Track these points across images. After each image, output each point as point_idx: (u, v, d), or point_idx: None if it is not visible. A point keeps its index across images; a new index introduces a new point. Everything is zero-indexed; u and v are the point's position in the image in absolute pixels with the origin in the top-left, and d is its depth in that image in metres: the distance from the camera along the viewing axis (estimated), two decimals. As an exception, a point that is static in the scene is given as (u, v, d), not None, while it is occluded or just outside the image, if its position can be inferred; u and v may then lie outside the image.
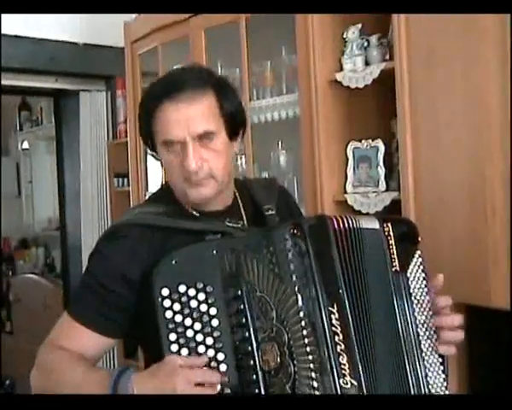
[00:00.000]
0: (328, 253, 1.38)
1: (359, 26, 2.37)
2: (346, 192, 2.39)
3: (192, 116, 1.42)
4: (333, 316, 1.33)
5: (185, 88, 1.44)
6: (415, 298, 1.47)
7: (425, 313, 1.47)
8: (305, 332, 1.32)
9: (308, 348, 1.31)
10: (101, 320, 1.47)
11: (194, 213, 1.53)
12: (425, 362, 1.44)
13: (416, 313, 1.46)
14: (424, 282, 1.48)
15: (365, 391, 1.32)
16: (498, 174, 1.86)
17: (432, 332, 1.46)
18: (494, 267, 1.88)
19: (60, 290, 4.74)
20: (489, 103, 1.88)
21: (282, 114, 2.67)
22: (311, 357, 1.31)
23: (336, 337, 1.32)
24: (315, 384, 1.30)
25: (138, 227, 1.48)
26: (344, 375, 1.31)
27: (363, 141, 2.36)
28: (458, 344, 1.49)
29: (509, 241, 1.84)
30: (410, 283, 1.47)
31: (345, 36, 2.40)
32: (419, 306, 1.47)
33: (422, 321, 1.46)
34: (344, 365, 1.31)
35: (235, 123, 1.51)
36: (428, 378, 1.44)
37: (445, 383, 1.46)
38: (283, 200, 1.70)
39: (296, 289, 1.34)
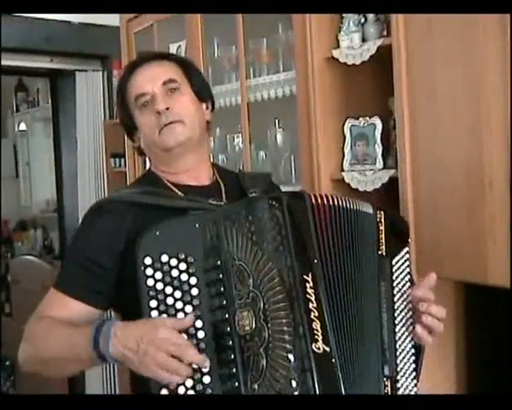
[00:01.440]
0: (304, 225, 1.45)
1: (356, 2, 2.34)
2: (343, 170, 2.37)
3: (156, 72, 1.65)
4: (307, 284, 1.39)
5: (151, 58, 1.69)
6: (396, 286, 1.52)
7: (404, 302, 1.52)
8: (279, 297, 1.37)
9: (282, 313, 1.37)
10: (83, 289, 1.54)
11: (177, 191, 1.63)
12: (397, 345, 1.48)
13: (395, 299, 1.51)
14: (408, 276, 1.55)
15: (338, 357, 1.37)
16: (497, 148, 1.84)
17: (409, 323, 1.51)
18: (491, 244, 1.86)
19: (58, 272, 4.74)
20: (488, 78, 1.86)
21: (279, 92, 2.64)
22: (284, 321, 1.36)
23: (310, 304, 1.37)
24: (288, 347, 1.35)
25: (123, 203, 1.57)
26: (316, 340, 1.35)
27: (360, 118, 2.33)
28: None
29: (507, 217, 1.83)
30: (394, 270, 1.52)
31: (341, 12, 2.37)
32: (399, 294, 1.52)
33: (401, 309, 1.51)
34: (317, 331, 1.36)
35: (199, 84, 1.70)
36: (398, 361, 1.48)
37: (413, 373, 1.52)
38: (272, 191, 1.73)
39: (273, 257, 1.40)
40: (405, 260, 1.56)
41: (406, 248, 1.57)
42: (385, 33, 2.27)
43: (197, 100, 1.68)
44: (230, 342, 1.37)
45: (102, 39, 3.98)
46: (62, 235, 4.73)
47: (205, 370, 1.35)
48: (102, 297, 1.56)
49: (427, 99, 2.04)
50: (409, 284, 1.54)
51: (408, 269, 1.56)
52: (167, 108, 1.59)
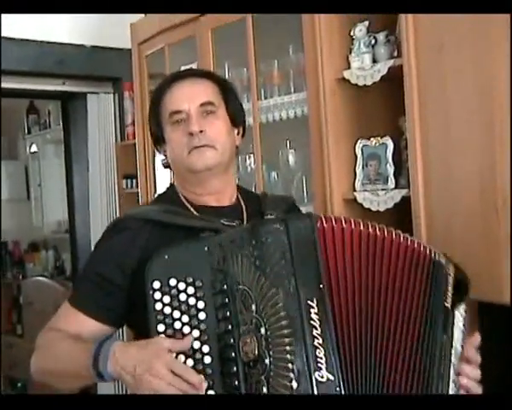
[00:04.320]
0: (310, 248, 1.39)
1: (366, 23, 2.35)
2: (355, 190, 2.38)
3: (196, 90, 1.62)
4: (312, 310, 1.33)
5: (190, 75, 1.68)
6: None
7: (457, 358, 1.46)
8: (282, 324, 1.33)
9: (285, 340, 1.32)
10: (94, 305, 1.55)
11: (193, 210, 1.62)
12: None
13: (452, 351, 1.45)
14: (462, 333, 1.48)
15: (343, 386, 1.31)
16: (510, 166, 1.84)
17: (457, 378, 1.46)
18: (506, 262, 1.86)
19: (70, 293, 4.74)
20: (499, 97, 1.87)
21: (290, 113, 2.66)
22: (288, 348, 1.32)
23: (314, 331, 1.32)
24: (290, 375, 1.30)
25: (139, 221, 1.57)
26: (320, 368, 1.30)
27: (371, 138, 2.35)
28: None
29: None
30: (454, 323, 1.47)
31: (352, 33, 2.38)
32: (453, 349, 1.46)
33: (455, 363, 1.45)
34: (320, 358, 1.31)
35: (235, 110, 1.67)
36: None
37: None
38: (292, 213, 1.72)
39: (276, 282, 1.35)
40: (461, 316, 1.49)
41: (464, 305, 1.50)
42: (395, 54, 2.29)
43: (230, 125, 1.65)
44: (235, 369, 1.35)
45: (114, 62, 4.00)
46: (74, 256, 4.74)
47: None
48: (113, 314, 1.56)
49: (439, 118, 2.05)
50: (462, 339, 1.47)
51: (462, 326, 1.49)
52: (201, 132, 1.57)
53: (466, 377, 1.44)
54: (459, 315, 1.48)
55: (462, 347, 1.48)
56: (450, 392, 1.43)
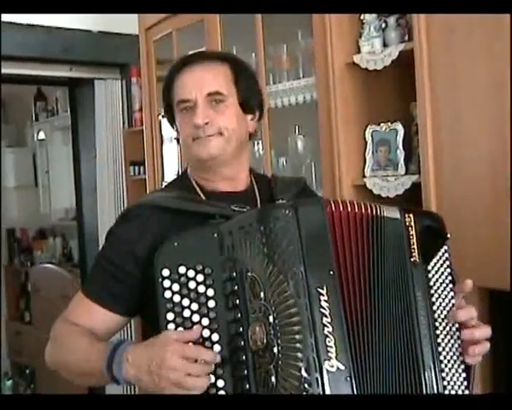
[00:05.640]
0: (319, 235, 1.36)
1: (377, 6, 2.32)
2: (364, 176, 2.36)
3: (205, 78, 1.56)
4: (322, 297, 1.31)
5: (203, 58, 1.61)
6: (435, 292, 1.44)
7: (447, 308, 1.44)
8: (291, 312, 1.31)
9: (294, 328, 1.30)
10: (107, 296, 1.54)
11: (204, 197, 1.60)
12: (441, 357, 1.41)
13: (434, 307, 1.43)
14: (449, 278, 1.46)
15: (354, 376, 1.29)
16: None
17: (454, 329, 1.43)
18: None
19: (78, 280, 4.75)
20: (511, 82, 1.84)
21: (299, 98, 2.64)
22: (297, 337, 1.29)
23: (324, 319, 1.30)
24: (299, 364, 1.28)
25: (149, 208, 1.56)
26: (330, 357, 1.28)
27: (381, 124, 2.32)
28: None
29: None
30: (430, 276, 1.45)
31: (362, 17, 2.36)
32: (440, 300, 1.44)
33: (443, 316, 1.43)
34: (330, 347, 1.29)
35: (248, 96, 1.61)
36: (444, 374, 1.40)
37: (464, 382, 1.43)
38: (304, 196, 1.70)
39: (284, 269, 1.33)
40: (444, 261, 1.47)
41: (444, 247, 1.47)
42: (406, 38, 2.26)
43: (242, 112, 1.60)
44: (244, 358, 1.34)
45: (121, 48, 3.98)
46: (82, 243, 4.73)
47: (220, 385, 1.34)
48: (124, 303, 1.54)
49: (450, 103, 2.03)
50: (451, 285, 1.45)
51: (448, 270, 1.46)
52: (206, 123, 1.54)
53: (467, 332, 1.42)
54: (439, 262, 1.46)
55: (453, 297, 1.45)
56: (447, 346, 1.41)
